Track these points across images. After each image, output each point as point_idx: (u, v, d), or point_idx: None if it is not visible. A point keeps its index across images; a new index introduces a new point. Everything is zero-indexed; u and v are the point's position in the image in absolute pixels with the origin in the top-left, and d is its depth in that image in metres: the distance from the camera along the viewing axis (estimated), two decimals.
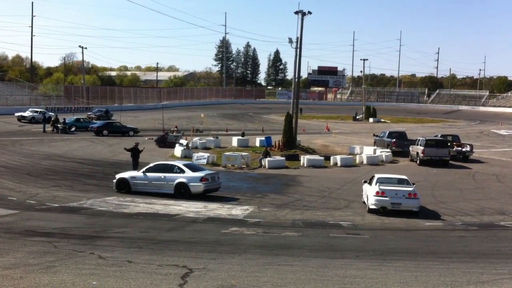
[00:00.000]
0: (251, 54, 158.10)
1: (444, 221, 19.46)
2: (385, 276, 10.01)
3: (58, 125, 48.12)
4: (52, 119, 49.14)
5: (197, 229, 16.25)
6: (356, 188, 26.75)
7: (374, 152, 37.56)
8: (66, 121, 49.72)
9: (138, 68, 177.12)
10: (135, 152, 27.90)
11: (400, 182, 21.13)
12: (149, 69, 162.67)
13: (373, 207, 20.07)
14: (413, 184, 21.09)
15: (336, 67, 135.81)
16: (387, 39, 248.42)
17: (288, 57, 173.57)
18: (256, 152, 36.87)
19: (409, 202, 19.90)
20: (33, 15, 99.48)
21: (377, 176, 21.56)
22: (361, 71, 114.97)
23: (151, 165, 23.57)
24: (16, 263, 10.28)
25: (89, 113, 63.90)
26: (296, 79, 44.76)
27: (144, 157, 28.72)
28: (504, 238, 17.09)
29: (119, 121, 51.41)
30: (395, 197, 19.86)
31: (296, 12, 41.32)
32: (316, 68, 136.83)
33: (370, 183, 21.42)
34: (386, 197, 19.84)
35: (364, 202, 21.72)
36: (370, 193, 20.41)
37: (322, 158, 34.66)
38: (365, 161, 35.37)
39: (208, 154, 33.57)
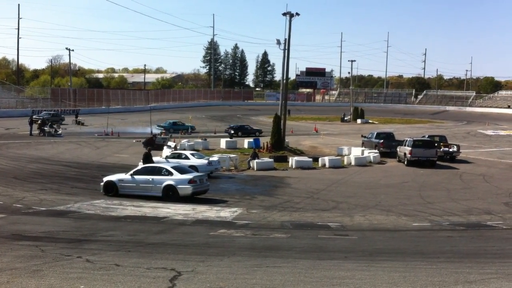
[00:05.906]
0: (239, 55, 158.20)
1: (431, 221, 19.56)
2: (374, 277, 10.02)
3: (45, 128, 47.78)
4: (39, 122, 48.73)
5: (186, 232, 16.20)
6: (344, 189, 26.88)
7: (362, 153, 37.72)
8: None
9: (126, 70, 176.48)
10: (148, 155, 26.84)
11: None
12: (136, 71, 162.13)
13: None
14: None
15: (324, 69, 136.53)
16: (374, 40, 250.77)
17: (276, 59, 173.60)
18: (244, 154, 36.85)
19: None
20: (20, 17, 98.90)
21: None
22: (348, 72, 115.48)
23: (139, 167, 23.46)
24: (2, 268, 10.16)
25: (35, 117, 55.22)
26: (284, 81, 44.82)
27: (131, 160, 28.61)
28: (491, 237, 17.20)
29: (107, 123, 51.08)
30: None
31: (284, 14, 41.41)
32: (304, 69, 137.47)
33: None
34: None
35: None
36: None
37: (311, 159, 34.74)
38: (353, 162, 35.50)
39: None
